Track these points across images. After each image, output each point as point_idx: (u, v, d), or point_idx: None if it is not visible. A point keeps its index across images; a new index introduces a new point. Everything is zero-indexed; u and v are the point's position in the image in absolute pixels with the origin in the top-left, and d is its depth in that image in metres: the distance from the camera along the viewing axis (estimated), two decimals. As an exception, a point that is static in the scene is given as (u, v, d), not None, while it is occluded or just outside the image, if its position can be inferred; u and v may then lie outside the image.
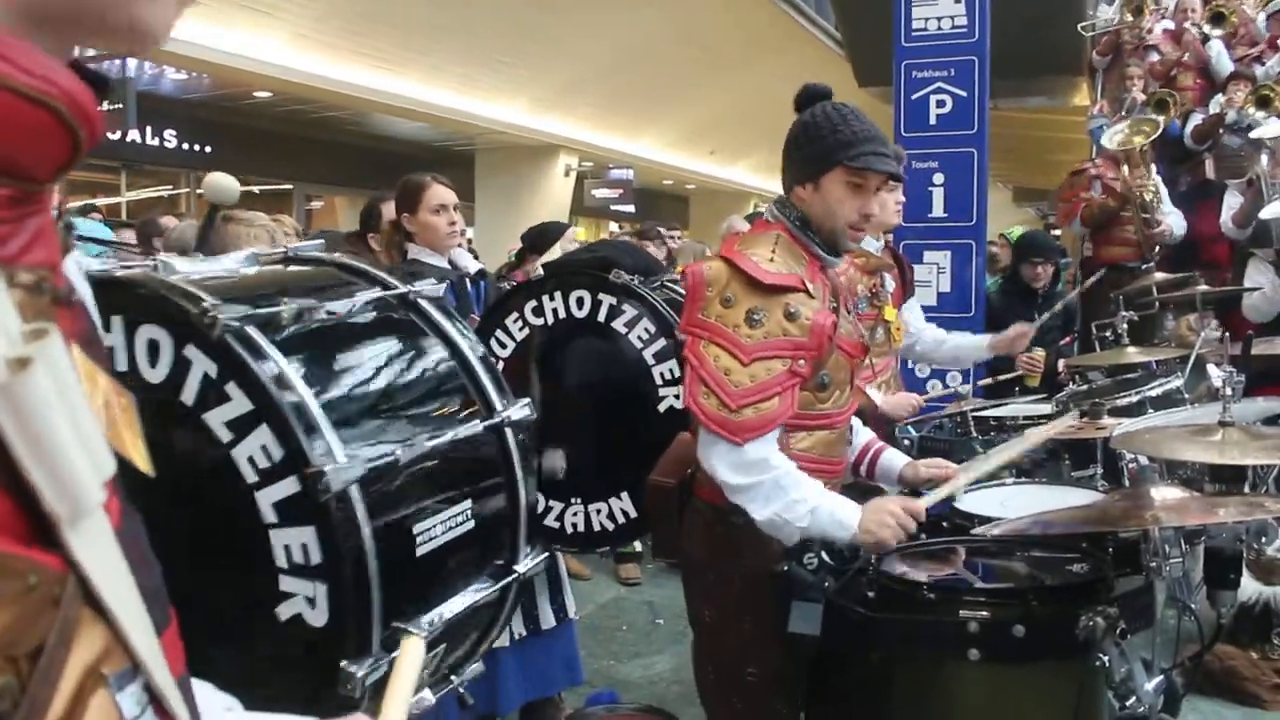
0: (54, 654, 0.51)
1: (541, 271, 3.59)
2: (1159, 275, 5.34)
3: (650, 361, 3.36)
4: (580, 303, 3.42)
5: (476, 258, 4.33)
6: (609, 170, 19.32)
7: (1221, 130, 7.32)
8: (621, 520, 3.47)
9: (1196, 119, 7.58)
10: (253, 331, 1.78)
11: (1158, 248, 6.29)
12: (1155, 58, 8.18)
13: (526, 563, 2.14)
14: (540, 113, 15.87)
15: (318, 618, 1.75)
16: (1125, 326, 4.11)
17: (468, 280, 3.72)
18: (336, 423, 1.77)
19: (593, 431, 3.42)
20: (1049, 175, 19.21)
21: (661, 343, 3.34)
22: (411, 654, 1.02)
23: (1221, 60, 7.93)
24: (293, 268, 2.15)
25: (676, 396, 3.28)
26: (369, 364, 2.03)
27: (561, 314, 3.45)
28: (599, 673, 4.58)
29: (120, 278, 1.85)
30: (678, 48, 15.48)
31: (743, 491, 2.28)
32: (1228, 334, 3.77)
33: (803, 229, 2.43)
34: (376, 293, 2.08)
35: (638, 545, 5.61)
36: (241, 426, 1.75)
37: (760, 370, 2.26)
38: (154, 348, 1.79)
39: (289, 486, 1.73)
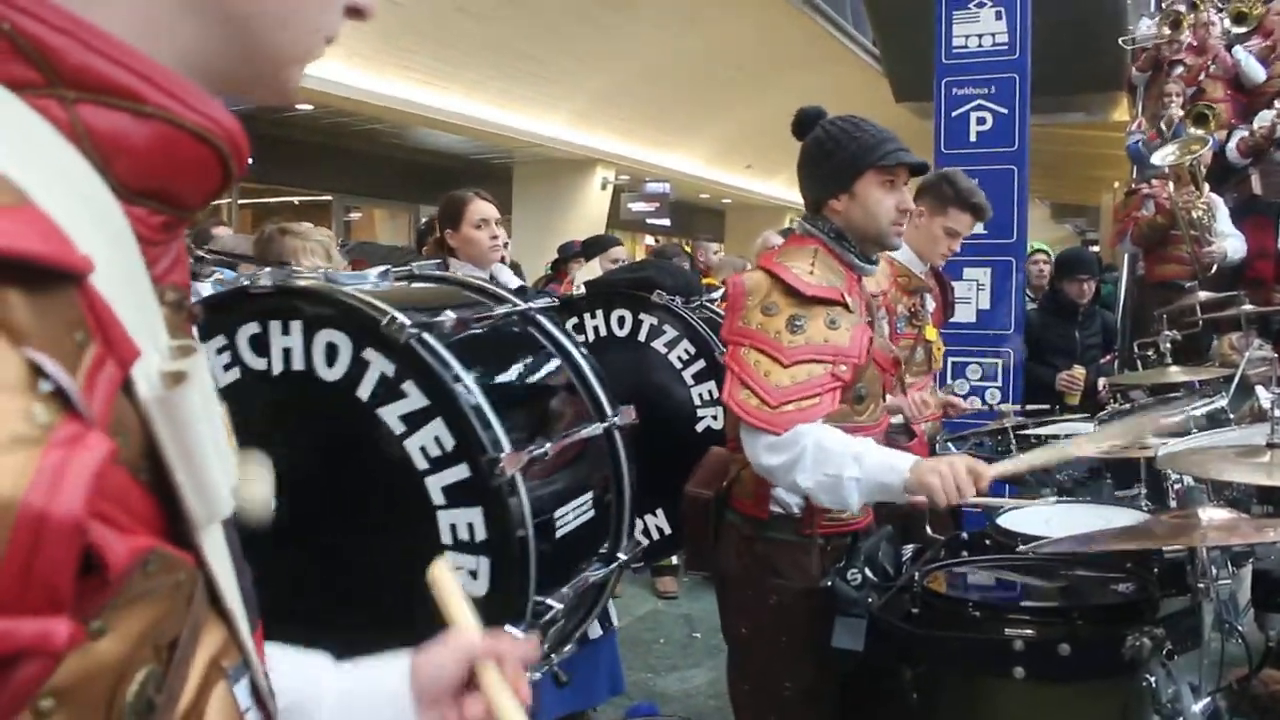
0: (187, 647, 0.54)
1: (584, 289, 3.64)
2: (1203, 294, 5.30)
3: (690, 382, 3.40)
4: (622, 322, 3.47)
5: (518, 272, 4.39)
6: (645, 184, 19.34)
7: (1270, 145, 7.25)
8: (656, 536, 3.52)
9: (1241, 134, 7.52)
10: (429, 336, 2.04)
11: (1214, 268, 6.24)
12: (1180, 70, 8.13)
13: (627, 550, 2.45)
14: (578, 126, 15.94)
15: (479, 587, 2.00)
16: (1169, 345, 4.08)
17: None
18: (502, 420, 2.04)
19: (635, 451, 3.46)
20: (1088, 191, 19.10)
21: (701, 364, 3.39)
22: (442, 574, 1.07)
23: (1250, 66, 7.85)
24: (418, 284, 2.45)
25: (715, 417, 3.32)
26: (514, 370, 2.37)
27: (603, 332, 3.50)
28: (636, 685, 4.60)
29: (303, 287, 2.12)
30: (715, 62, 15.52)
31: (788, 469, 2.27)
32: (1277, 354, 3.74)
33: (838, 241, 2.47)
34: (507, 308, 2.38)
35: (674, 559, 5.63)
36: (416, 420, 2.01)
37: (801, 373, 2.28)
38: (332, 350, 2.05)
39: (459, 473, 2.00)
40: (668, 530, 3.49)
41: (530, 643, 1.01)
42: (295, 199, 15.38)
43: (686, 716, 3.44)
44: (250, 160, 0.65)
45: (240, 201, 14.36)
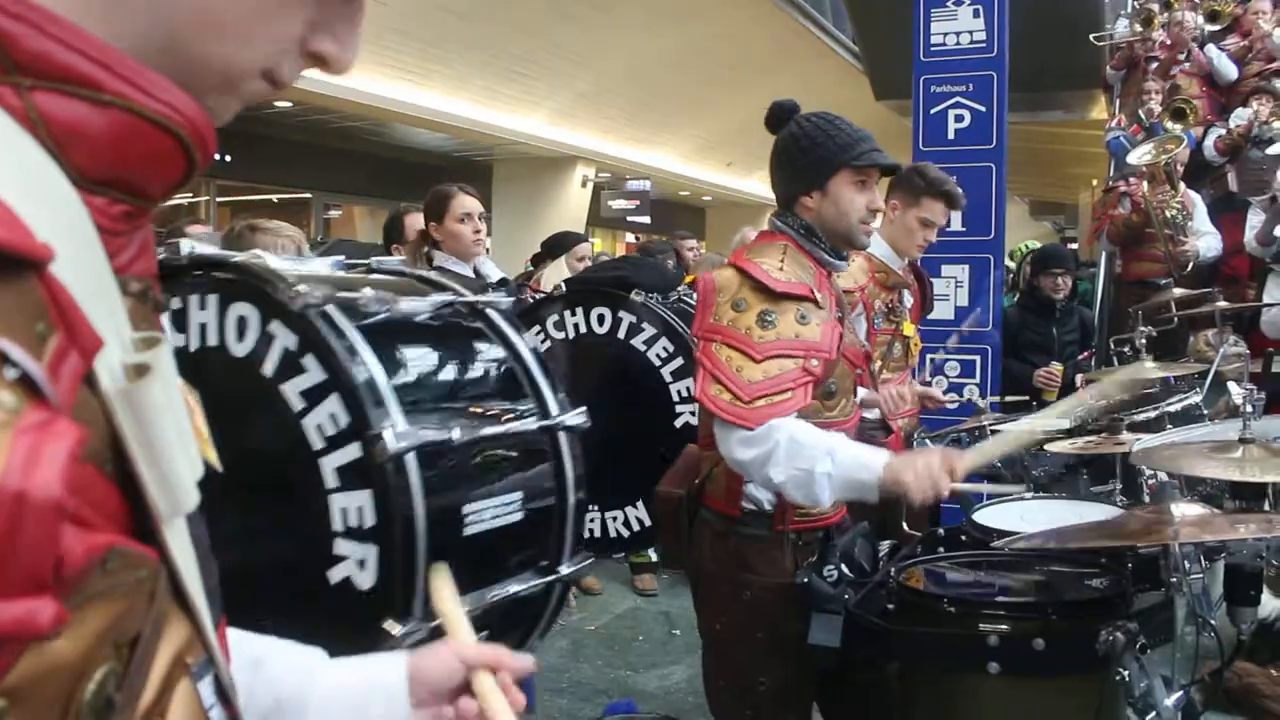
0: (149, 643, 0.54)
1: (564, 287, 3.65)
2: (1178, 291, 5.34)
3: (667, 379, 3.43)
4: (601, 319, 3.49)
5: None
6: (626, 181, 19.34)
7: (1247, 143, 7.31)
8: (636, 528, 3.56)
9: (1219, 131, 7.58)
10: (332, 310, 1.93)
11: (1188, 266, 6.28)
12: (1155, 65, 8.19)
13: (570, 565, 2.22)
14: (558, 124, 15.93)
15: (366, 580, 1.87)
16: (1144, 342, 4.10)
17: (489, 288, 3.78)
18: (403, 402, 1.91)
19: (611, 442, 3.47)
20: (1067, 189, 19.18)
21: (679, 361, 3.41)
22: (440, 581, 1.08)
23: (1222, 64, 7.91)
24: (374, 275, 2.30)
25: (692, 413, 3.35)
26: (437, 357, 2.21)
27: (583, 329, 3.52)
28: (615, 683, 4.60)
29: (221, 259, 2.03)
30: (696, 60, 15.53)
31: (761, 464, 2.26)
32: (1248, 352, 3.78)
33: (807, 237, 2.47)
34: (449, 296, 2.23)
35: (653, 555, 5.64)
36: (314, 396, 1.90)
37: (773, 367, 2.28)
38: (242, 323, 1.96)
39: (352, 452, 1.88)
40: (647, 522, 3.52)
41: (527, 657, 1.01)
42: (274, 197, 15.30)
43: (666, 714, 3.44)
44: (228, 157, 0.63)
45: (219, 200, 14.27)
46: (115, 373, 0.52)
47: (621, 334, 3.50)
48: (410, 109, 13.03)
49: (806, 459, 2.21)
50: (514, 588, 2.08)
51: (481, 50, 12.71)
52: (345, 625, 1.85)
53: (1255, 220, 6.06)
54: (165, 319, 1.96)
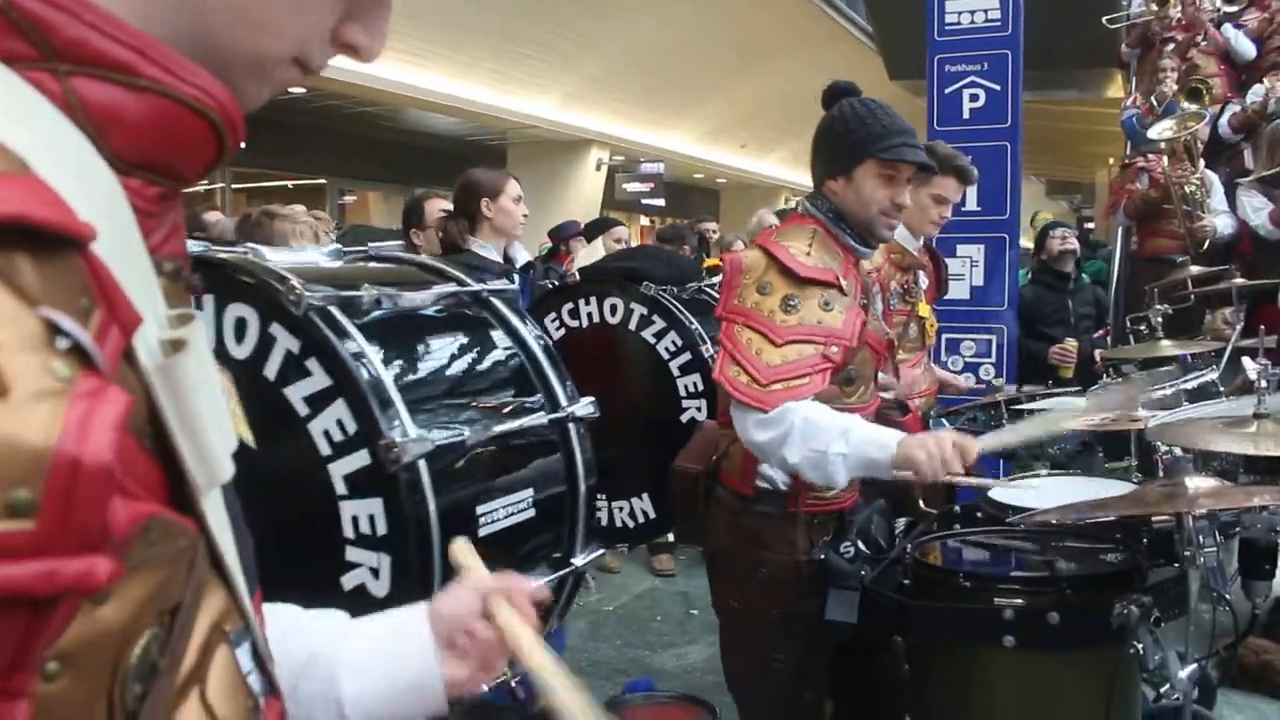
0: (189, 611, 0.56)
1: (578, 276, 3.69)
2: (1194, 269, 5.32)
3: (675, 373, 3.46)
4: (614, 309, 3.53)
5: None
6: (640, 164, 19.31)
7: (1263, 120, 7.25)
8: (642, 519, 3.61)
9: (1234, 109, 7.52)
10: (335, 311, 1.88)
11: (1205, 243, 6.25)
12: (1171, 46, 8.12)
13: (583, 556, 2.21)
14: (571, 107, 15.91)
15: (380, 588, 1.84)
16: (1160, 320, 4.10)
17: (514, 273, 3.83)
18: (410, 403, 1.86)
19: (620, 432, 3.50)
20: (1083, 168, 19.08)
21: (687, 356, 3.44)
22: (464, 555, 1.13)
23: (1240, 44, 7.84)
24: (374, 264, 2.26)
25: (699, 409, 3.39)
26: (443, 352, 2.14)
27: (596, 318, 3.55)
28: (634, 662, 4.64)
29: (217, 258, 1.95)
30: (709, 42, 15.48)
31: (776, 445, 2.27)
32: (1263, 327, 3.77)
33: (836, 222, 2.47)
34: (452, 287, 2.19)
35: (670, 536, 5.67)
36: (319, 401, 1.85)
37: (792, 352, 2.29)
38: (241, 325, 1.90)
39: (360, 459, 1.83)
40: (653, 515, 3.56)
41: (541, 586, 1.06)
42: (289, 183, 15.34)
43: (684, 692, 3.47)
44: (243, 144, 0.65)
45: (234, 186, 14.33)
46: (152, 348, 0.54)
47: (633, 325, 3.54)
48: (423, 93, 13.03)
49: (821, 440, 2.23)
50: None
51: (492, 34, 12.69)
52: None
53: (1256, 201, 5.99)
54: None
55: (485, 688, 2.08)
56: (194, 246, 2.02)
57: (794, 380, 2.27)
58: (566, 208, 14.49)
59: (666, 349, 3.51)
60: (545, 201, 15.86)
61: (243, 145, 0.65)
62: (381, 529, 1.83)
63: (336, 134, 14.70)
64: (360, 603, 1.82)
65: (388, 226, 11.97)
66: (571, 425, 2.19)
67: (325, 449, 1.85)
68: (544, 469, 2.16)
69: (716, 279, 4.16)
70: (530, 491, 2.09)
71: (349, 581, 1.86)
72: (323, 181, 15.98)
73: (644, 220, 21.96)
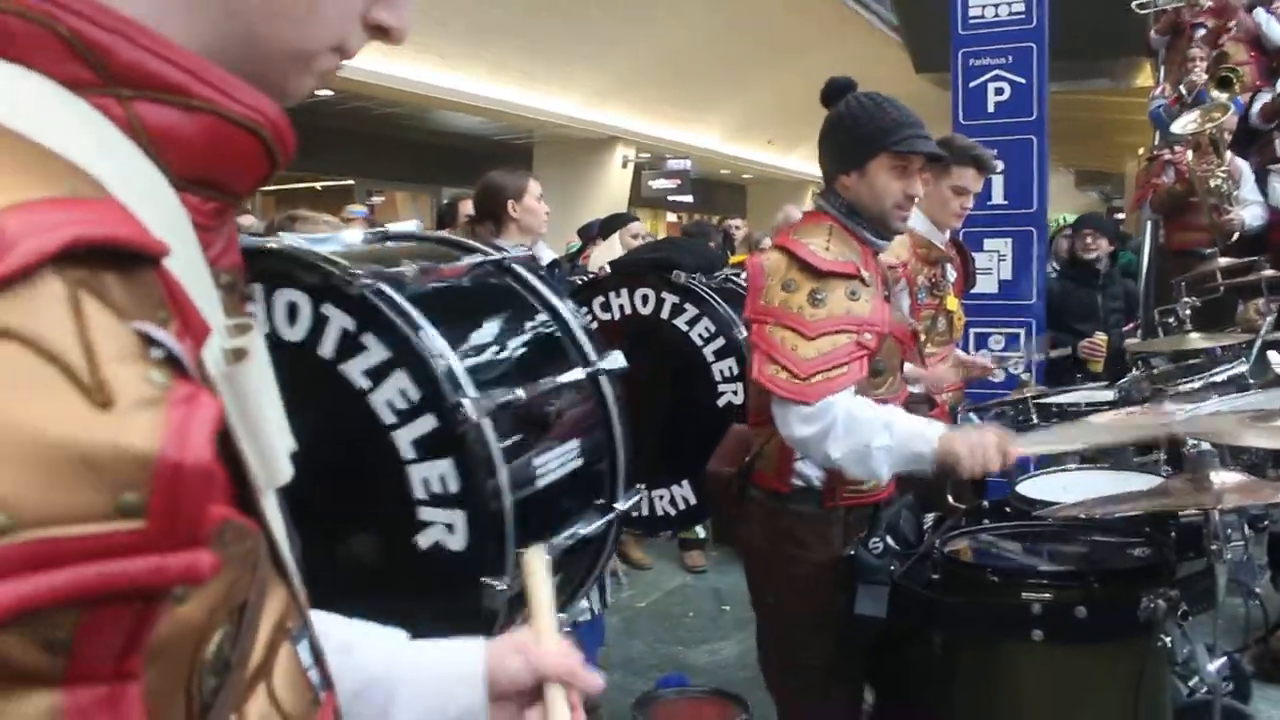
0: (255, 608, 0.59)
1: (608, 269, 3.73)
2: (1223, 260, 5.29)
3: (710, 359, 3.49)
4: (645, 300, 3.56)
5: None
6: (666, 161, 19.33)
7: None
8: (682, 506, 3.63)
9: (1265, 98, 7.45)
10: (386, 288, 1.98)
11: (1234, 235, 6.21)
12: (1202, 33, 8.04)
13: (624, 500, 2.35)
14: (597, 105, 15.95)
15: (457, 542, 1.95)
16: (1188, 312, 4.09)
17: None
18: (467, 368, 1.98)
19: (656, 421, 3.53)
20: (1113, 158, 18.95)
21: (720, 341, 3.48)
22: (535, 564, 1.09)
23: (1272, 29, 7.76)
24: (399, 244, 2.38)
25: (735, 393, 3.40)
26: (485, 318, 2.28)
27: (628, 310, 3.59)
28: (667, 658, 4.67)
29: (266, 247, 2.05)
30: (733, 38, 15.48)
31: (820, 440, 2.30)
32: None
33: (850, 216, 2.49)
34: (478, 258, 2.32)
35: (701, 532, 5.70)
36: (378, 374, 1.95)
37: (826, 344, 2.32)
38: (292, 309, 2.00)
39: (427, 424, 1.94)
40: (693, 501, 3.59)
41: (597, 678, 1.02)
42: (318, 184, 15.47)
43: (717, 687, 3.50)
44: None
45: (263, 188, 14.45)
46: (217, 357, 0.57)
47: (665, 314, 3.58)
48: (449, 94, 13.11)
49: (864, 433, 2.25)
50: (581, 530, 2.19)
51: (518, 34, 12.75)
52: (442, 587, 1.94)
53: None
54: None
55: None
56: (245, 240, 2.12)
57: (832, 371, 2.30)
58: (593, 206, 14.54)
59: (700, 335, 3.55)
60: (572, 200, 15.92)
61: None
62: (454, 487, 1.94)
63: (364, 135, 14.81)
64: (438, 559, 1.95)
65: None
66: (603, 378, 2.33)
67: (389, 418, 1.95)
68: (586, 420, 2.30)
69: (742, 270, 4.20)
70: (577, 442, 2.23)
71: (424, 540, 1.96)
72: (351, 182, 16.10)
73: (671, 216, 21.97)
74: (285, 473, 0.64)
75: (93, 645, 0.45)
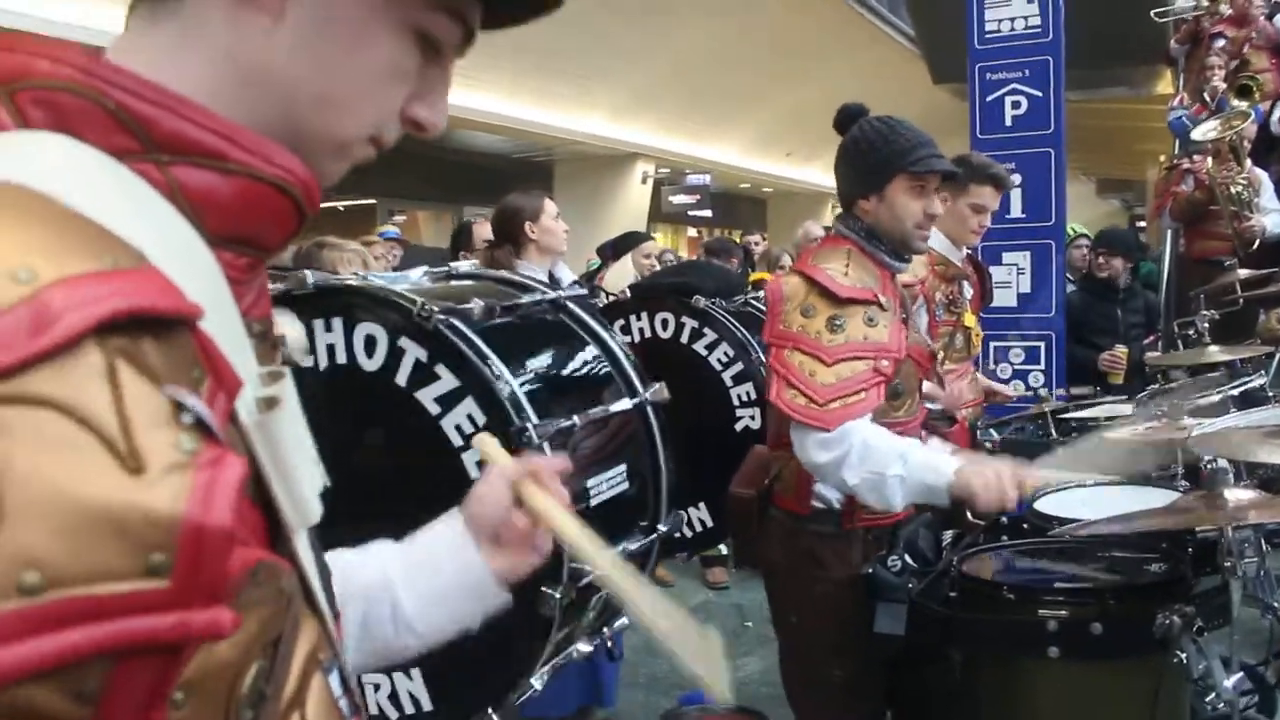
0: (288, 642, 0.62)
1: (629, 293, 3.77)
2: (1242, 272, 5.27)
3: (729, 383, 3.54)
4: (665, 324, 3.62)
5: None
6: (686, 176, 19.37)
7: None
8: (700, 528, 3.67)
9: (1285, 106, 7.43)
10: (457, 322, 2.17)
11: (1255, 243, 6.19)
12: (1222, 43, 8.02)
13: (666, 523, 2.52)
14: (616, 121, 16.02)
15: None
16: (1206, 325, 4.08)
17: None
18: (528, 395, 2.15)
19: (676, 444, 3.56)
20: (1134, 166, 18.85)
21: (739, 366, 3.52)
22: (484, 438, 1.20)
23: None
24: (464, 282, 2.57)
25: (753, 418, 3.45)
26: (545, 351, 2.48)
27: (648, 334, 3.64)
28: (689, 676, 4.68)
29: (342, 285, 2.27)
30: (751, 51, 15.52)
31: (836, 466, 2.33)
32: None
33: (870, 239, 2.52)
34: (537, 296, 2.52)
35: (723, 549, 5.72)
36: (449, 400, 2.14)
37: (845, 370, 2.34)
38: (370, 341, 2.20)
39: None
40: (710, 523, 3.63)
41: (561, 459, 1.14)
42: (340, 204, 15.58)
43: (740, 704, 3.52)
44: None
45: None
46: (250, 407, 0.61)
47: (685, 339, 3.63)
48: (468, 113, 13.20)
49: (879, 462, 2.28)
50: (631, 546, 2.38)
51: (536, 52, 12.83)
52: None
53: None
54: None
55: (588, 647, 2.30)
56: (313, 277, 2.28)
57: (850, 397, 2.33)
58: (614, 222, 14.60)
59: (719, 360, 3.60)
60: (592, 216, 15.99)
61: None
62: None
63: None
64: None
65: (436, 245, 12.14)
66: (649, 408, 2.52)
67: (458, 440, 2.13)
68: (633, 446, 2.49)
69: (761, 292, 4.23)
70: (624, 466, 2.41)
71: None
72: (373, 202, 16.22)
73: (691, 231, 22.02)
74: (315, 513, 0.68)
75: (119, 696, 0.48)
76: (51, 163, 0.58)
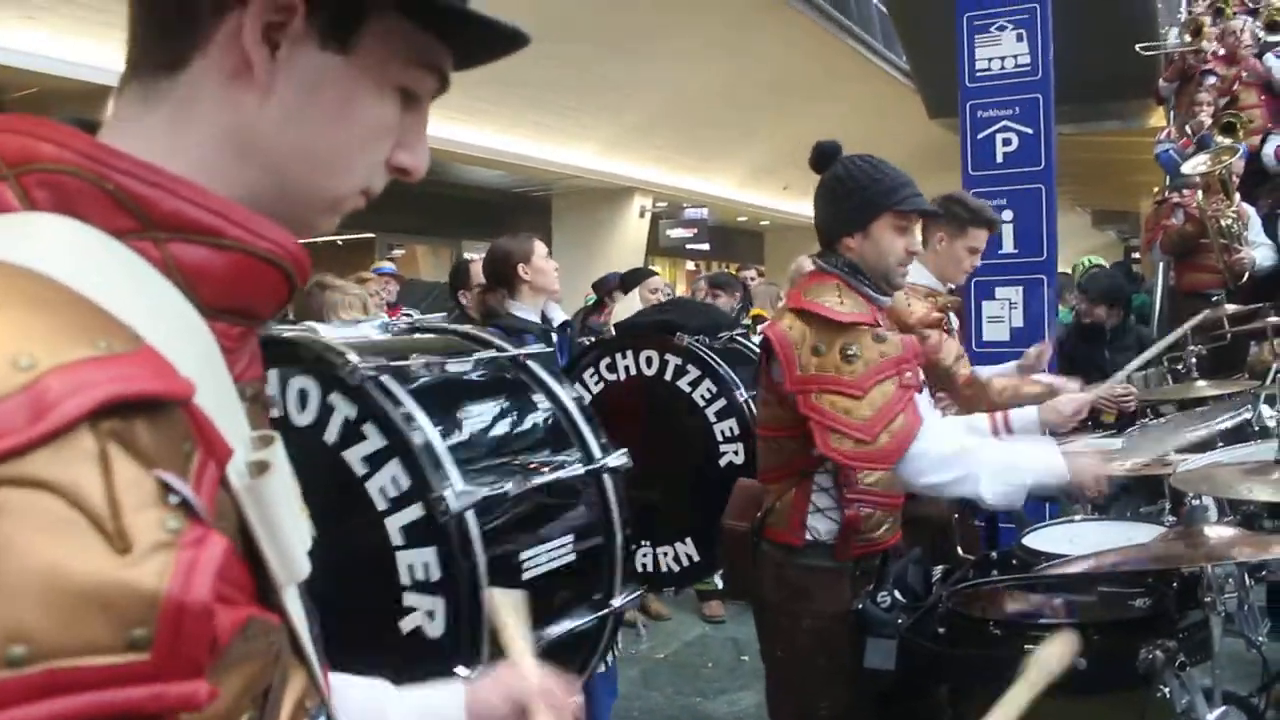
0: (277, 693, 0.66)
1: (614, 331, 3.83)
2: (1229, 306, 5.32)
3: (712, 419, 3.58)
4: (649, 361, 3.67)
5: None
6: (683, 210, 19.48)
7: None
8: (686, 563, 3.71)
9: (1277, 140, 7.51)
10: (387, 380, 2.08)
11: (1244, 276, 6.25)
12: (1212, 80, 8.12)
13: (622, 598, 2.36)
14: (613, 156, 16.13)
15: (435, 629, 2.01)
16: (1194, 360, 4.12)
17: (552, 332, 3.96)
18: (458, 460, 2.06)
19: (660, 479, 3.60)
20: (1129, 197, 18.94)
21: (722, 402, 3.58)
22: (502, 603, 1.18)
23: None
24: (420, 335, 2.47)
25: (736, 453, 3.50)
26: (485, 413, 2.34)
27: (633, 371, 3.69)
28: (686, 709, 4.70)
29: (281, 336, 2.17)
30: (747, 86, 15.64)
31: (943, 487, 2.46)
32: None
33: (853, 275, 2.56)
34: (491, 353, 2.40)
35: (719, 582, 5.73)
36: (375, 461, 2.05)
37: (877, 396, 2.38)
38: (303, 396, 2.11)
39: (414, 512, 2.01)
40: (696, 557, 3.68)
41: (577, 698, 1.10)
42: (338, 239, 15.65)
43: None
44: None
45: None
46: (241, 471, 0.64)
47: (668, 376, 3.68)
48: (466, 148, 13.29)
49: (1017, 474, 2.40)
50: (571, 623, 2.22)
51: (534, 86, 12.94)
52: (420, 672, 1.98)
53: None
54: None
55: None
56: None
57: (893, 424, 2.37)
58: (611, 256, 14.67)
59: (702, 396, 3.65)
60: (590, 250, 16.08)
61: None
62: (435, 574, 2.01)
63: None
64: (417, 645, 2.02)
65: (435, 279, 12.19)
66: (606, 475, 2.35)
67: (382, 504, 2.04)
68: (582, 517, 2.33)
69: (753, 324, 4.26)
70: (570, 538, 2.26)
71: (407, 625, 2.03)
72: (371, 236, 16.29)
73: (689, 265, 22.10)
74: (303, 569, 0.71)
75: None
76: (55, 244, 0.61)
